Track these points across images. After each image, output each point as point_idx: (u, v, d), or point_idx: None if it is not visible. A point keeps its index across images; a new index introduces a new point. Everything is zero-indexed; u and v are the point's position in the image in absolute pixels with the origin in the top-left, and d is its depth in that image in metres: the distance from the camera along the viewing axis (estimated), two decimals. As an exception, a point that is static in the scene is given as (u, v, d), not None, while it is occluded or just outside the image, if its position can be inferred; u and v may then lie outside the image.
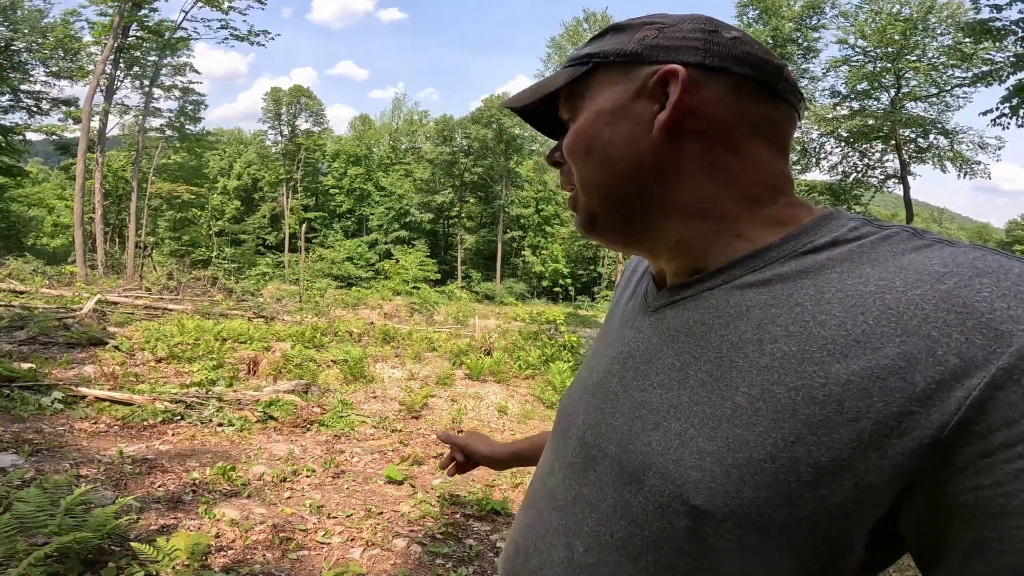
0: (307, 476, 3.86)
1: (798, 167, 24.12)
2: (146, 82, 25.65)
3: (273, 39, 25.19)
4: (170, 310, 10.32)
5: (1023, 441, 0.35)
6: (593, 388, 0.60)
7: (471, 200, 42.32)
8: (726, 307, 0.50)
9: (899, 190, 22.45)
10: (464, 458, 1.08)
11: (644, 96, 0.52)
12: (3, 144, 24.06)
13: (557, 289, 39.91)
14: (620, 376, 0.57)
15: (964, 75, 18.84)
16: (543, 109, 0.63)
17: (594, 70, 0.56)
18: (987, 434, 0.36)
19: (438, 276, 37.28)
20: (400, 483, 3.93)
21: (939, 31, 19.97)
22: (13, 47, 23.03)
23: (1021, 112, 12.03)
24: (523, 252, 41.54)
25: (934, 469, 0.38)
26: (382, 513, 3.43)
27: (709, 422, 0.46)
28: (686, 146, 0.52)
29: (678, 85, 0.50)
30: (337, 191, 45.75)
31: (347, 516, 3.33)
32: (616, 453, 0.52)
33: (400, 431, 5.15)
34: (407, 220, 42.69)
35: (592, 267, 41.41)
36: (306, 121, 45.40)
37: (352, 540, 3.08)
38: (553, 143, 0.66)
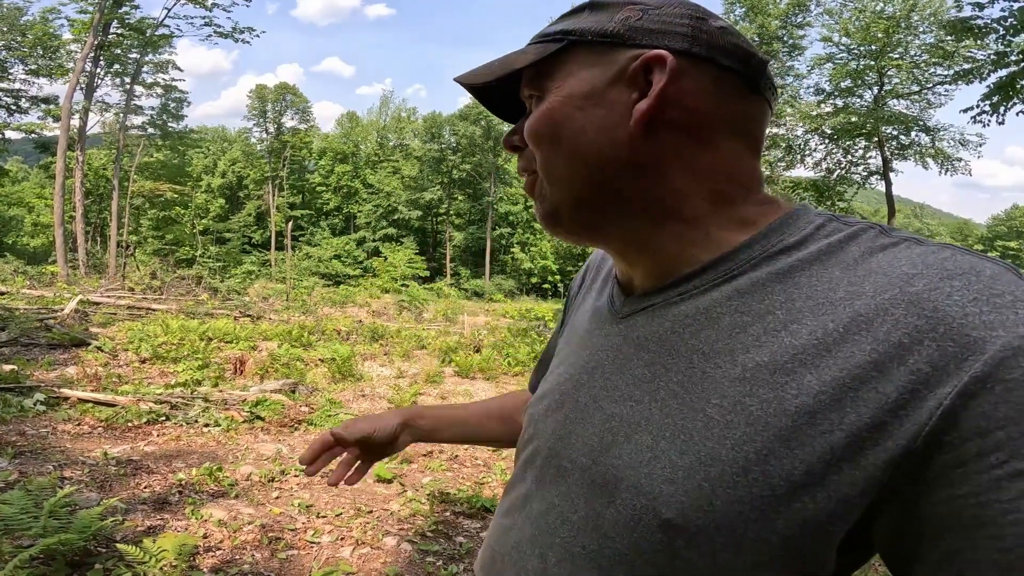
0: (295, 476, 3.84)
1: (783, 164, 24.34)
2: (127, 80, 25.32)
3: (258, 36, 24.98)
4: (154, 310, 10.20)
5: (996, 451, 0.34)
6: (561, 397, 0.58)
7: (460, 197, 42.24)
8: (696, 315, 0.48)
9: (881, 186, 22.76)
10: (358, 451, 0.87)
11: (622, 82, 0.49)
12: (-19, 143, 23.65)
13: (546, 286, 39.94)
14: (588, 386, 0.55)
15: (946, 73, 19.12)
16: (499, 87, 0.57)
17: (568, 49, 0.51)
18: (959, 444, 0.35)
19: (427, 273, 37.13)
20: (389, 482, 3.92)
21: (921, 29, 20.25)
22: (-9, 45, 22.62)
23: (1002, 109, 12.21)
24: (512, 249, 41.52)
25: (907, 480, 0.38)
26: (372, 512, 3.42)
27: (681, 435, 0.45)
28: (662, 139, 0.49)
29: (664, 72, 0.47)
30: (324, 188, 45.45)
31: (336, 515, 3.32)
32: (587, 465, 0.51)
33: (389, 429, 5.13)
34: (395, 217, 42.53)
35: (581, 263, 41.39)
36: (292, 118, 45.06)
37: (342, 539, 3.07)
38: (502, 122, 0.62)
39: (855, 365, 0.39)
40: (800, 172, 24.12)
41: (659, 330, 0.51)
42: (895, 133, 21.46)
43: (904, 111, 21.38)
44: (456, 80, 0.57)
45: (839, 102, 22.58)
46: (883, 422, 0.37)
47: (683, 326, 0.49)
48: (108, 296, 11.31)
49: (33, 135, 24.75)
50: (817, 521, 0.40)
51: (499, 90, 0.58)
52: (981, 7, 11.60)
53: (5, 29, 22.33)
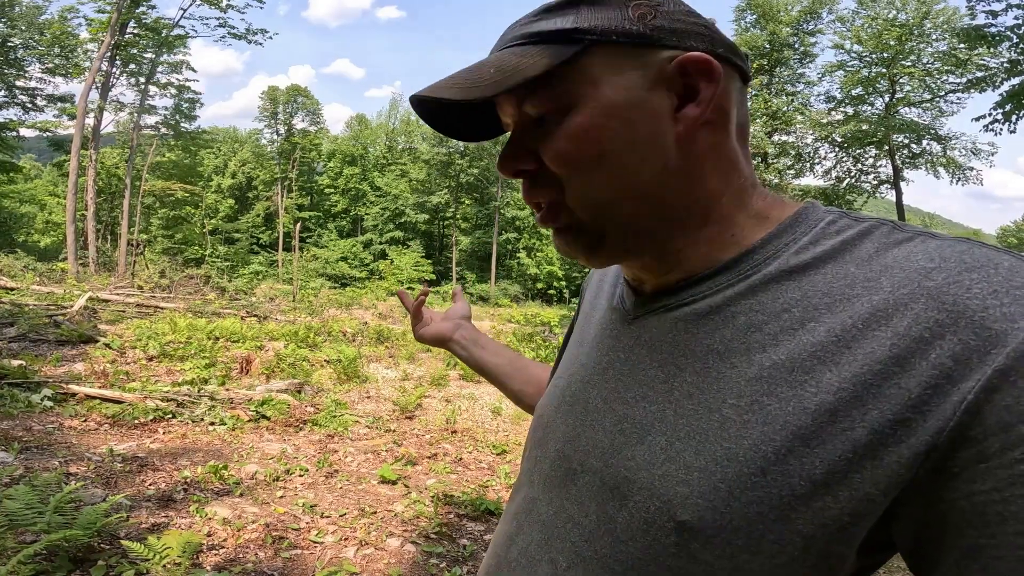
0: (300, 475, 3.83)
1: (792, 172, 24.25)
2: (142, 79, 25.55)
3: (271, 38, 25.15)
4: (162, 308, 10.25)
5: (1020, 446, 0.34)
6: (572, 399, 0.57)
7: (467, 201, 42.30)
8: (710, 315, 0.47)
9: (892, 195, 22.62)
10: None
11: (661, 86, 0.45)
12: (-3, 140, 23.91)
13: (551, 291, 39.91)
14: (600, 388, 0.54)
15: (958, 81, 19.02)
16: (465, 104, 0.50)
17: (585, 51, 0.45)
18: (983, 439, 0.35)
19: (433, 277, 37.25)
20: (394, 483, 3.91)
21: (934, 37, 20.18)
22: (9, 43, 22.87)
23: (1014, 118, 12.13)
24: (518, 254, 41.49)
25: (930, 476, 0.37)
26: (376, 513, 3.41)
27: (696, 436, 0.44)
28: (699, 141, 0.47)
29: (712, 77, 0.45)
30: (332, 191, 45.62)
31: (340, 515, 3.31)
32: (598, 468, 0.50)
33: (394, 431, 5.12)
34: (402, 220, 42.62)
35: (587, 270, 41.22)
36: (302, 120, 45.35)
37: (345, 539, 3.05)
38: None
39: (876, 360, 0.38)
40: (809, 180, 24.06)
41: (672, 331, 0.50)
42: (906, 141, 21.35)
43: (916, 119, 21.27)
44: (421, 95, 0.47)
45: (850, 110, 22.51)
46: (907, 418, 0.37)
47: (697, 326, 0.48)
48: (117, 294, 11.38)
49: (48, 133, 25.03)
50: (840, 521, 0.39)
51: (458, 107, 0.51)
52: (995, 15, 11.55)
53: (23, 27, 22.59)
